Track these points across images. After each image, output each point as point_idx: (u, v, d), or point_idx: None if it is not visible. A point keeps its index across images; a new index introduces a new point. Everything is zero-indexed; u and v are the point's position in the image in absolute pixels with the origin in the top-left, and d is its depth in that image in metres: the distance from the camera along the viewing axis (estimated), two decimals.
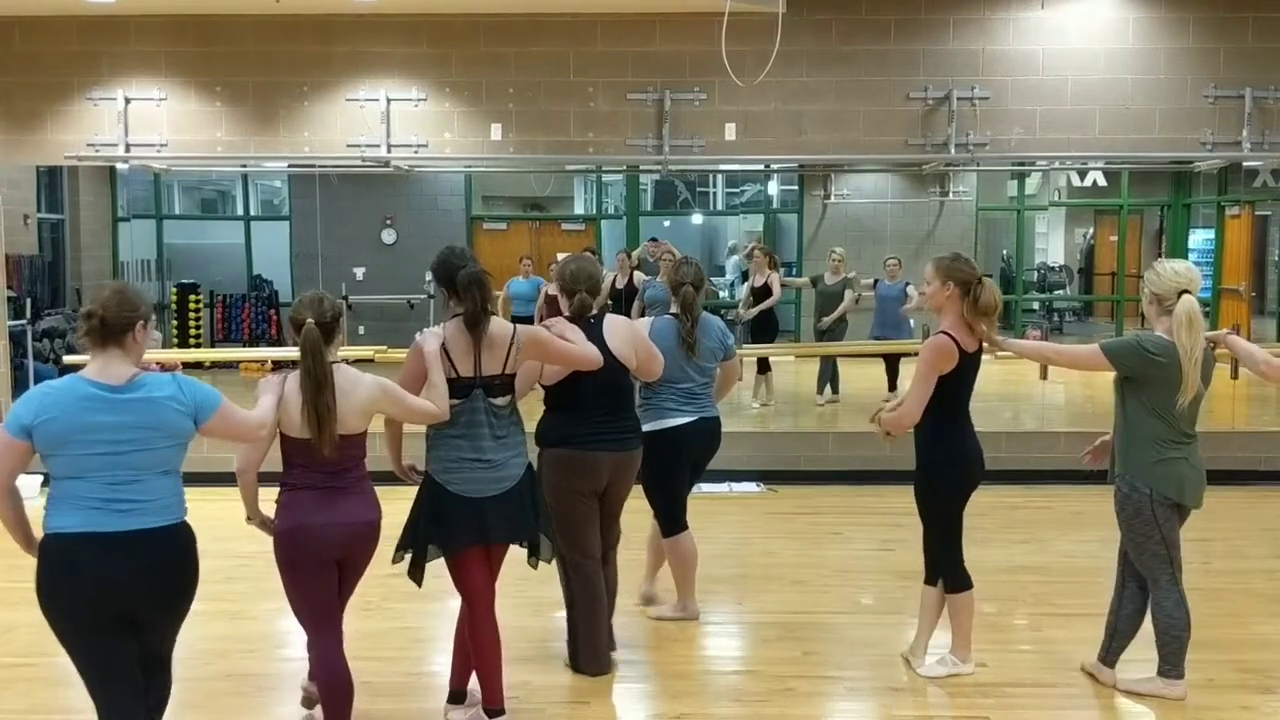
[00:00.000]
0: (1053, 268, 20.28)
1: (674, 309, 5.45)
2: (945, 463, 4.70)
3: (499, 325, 4.25)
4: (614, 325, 4.83)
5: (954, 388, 4.63)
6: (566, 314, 4.81)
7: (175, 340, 15.10)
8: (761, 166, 13.57)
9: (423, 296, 15.40)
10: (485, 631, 4.31)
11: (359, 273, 15.74)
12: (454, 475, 4.19)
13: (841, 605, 5.91)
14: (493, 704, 4.31)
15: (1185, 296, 4.36)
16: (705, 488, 8.56)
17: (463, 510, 4.18)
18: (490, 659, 4.32)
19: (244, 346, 15.88)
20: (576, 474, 4.73)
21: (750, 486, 8.65)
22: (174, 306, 15.37)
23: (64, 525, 3.36)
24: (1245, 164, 12.42)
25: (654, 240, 13.02)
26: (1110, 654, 4.82)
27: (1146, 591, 4.66)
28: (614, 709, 4.66)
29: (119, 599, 3.38)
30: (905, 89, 8.47)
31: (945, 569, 4.80)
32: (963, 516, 4.79)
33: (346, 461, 3.92)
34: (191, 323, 15.38)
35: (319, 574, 3.95)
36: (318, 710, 4.24)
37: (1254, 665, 5.01)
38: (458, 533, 4.21)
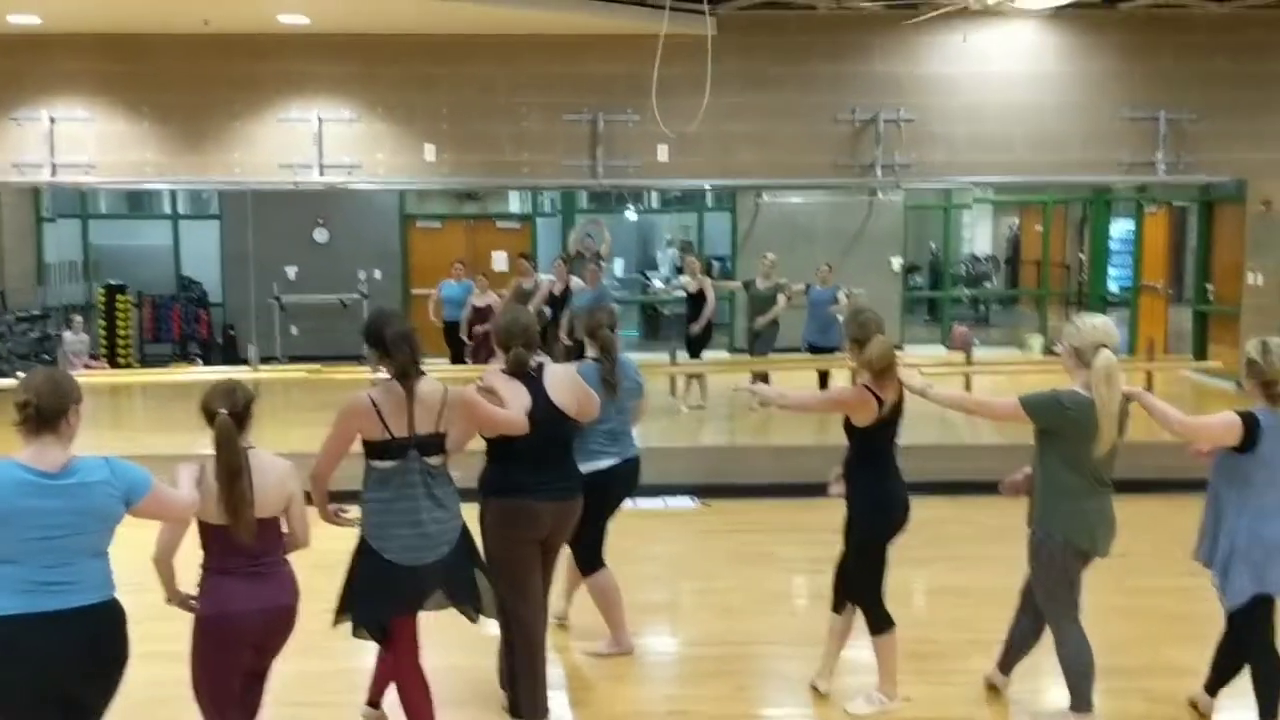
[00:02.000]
0: (979, 258, 20.73)
1: (592, 353, 5.58)
2: (873, 508, 4.91)
3: (430, 384, 4.33)
4: (554, 377, 4.89)
5: (879, 437, 4.84)
6: (503, 367, 4.87)
7: (104, 342, 14.91)
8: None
9: (356, 296, 15.35)
10: (414, 685, 4.45)
11: (291, 272, 15.65)
12: (391, 543, 4.26)
13: (772, 635, 6.08)
14: None
15: (1103, 351, 4.50)
16: (641, 503, 8.71)
17: (399, 578, 4.28)
18: (422, 711, 4.45)
19: (174, 348, 15.74)
20: (521, 523, 4.81)
21: (685, 501, 8.81)
22: (101, 307, 15.17)
23: None
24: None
25: (593, 225, 13.04)
26: (1006, 663, 5.19)
27: (1041, 620, 4.92)
28: None
29: (54, 676, 3.46)
30: (833, 111, 8.65)
31: (868, 608, 5.00)
32: (886, 559, 4.98)
33: (265, 544, 3.98)
34: (120, 324, 15.20)
35: (235, 658, 4.04)
36: None
37: (1163, 694, 5.25)
38: (393, 601, 4.32)
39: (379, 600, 4.31)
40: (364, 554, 4.32)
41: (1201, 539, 4.89)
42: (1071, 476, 4.60)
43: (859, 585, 5.00)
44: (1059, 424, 4.58)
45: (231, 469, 3.83)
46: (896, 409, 4.85)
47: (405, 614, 4.35)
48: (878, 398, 4.75)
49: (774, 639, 6.02)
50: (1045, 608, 4.81)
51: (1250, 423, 4.53)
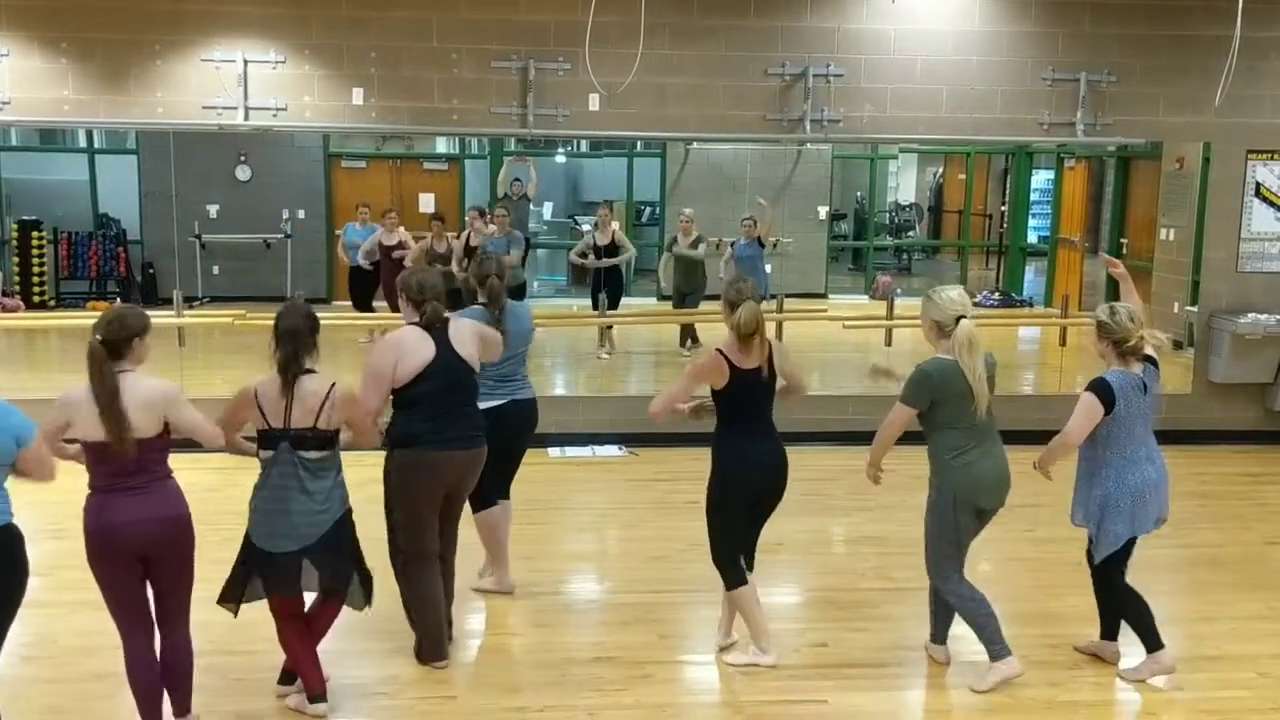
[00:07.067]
0: (903, 206, 20.98)
1: (481, 299, 5.67)
2: (725, 469, 5.02)
3: (315, 381, 4.44)
4: (458, 330, 5.06)
5: (733, 401, 4.94)
6: (415, 321, 4.99)
7: (17, 279, 14.56)
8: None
9: (279, 236, 15.13)
10: (292, 641, 4.62)
11: (212, 210, 15.34)
12: (257, 528, 4.47)
13: (695, 582, 6.22)
14: (315, 689, 4.62)
15: (963, 321, 4.76)
16: (570, 451, 8.87)
17: (259, 560, 4.47)
18: (305, 658, 4.62)
19: (91, 286, 15.40)
20: (422, 475, 4.96)
21: (613, 450, 8.94)
22: (14, 244, 14.78)
23: None
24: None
25: (520, 164, 13.02)
26: (940, 630, 5.30)
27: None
28: (480, 703, 4.88)
29: None
30: (764, 64, 8.68)
31: (720, 568, 5.12)
32: (742, 522, 5.07)
33: (148, 462, 4.14)
34: (35, 261, 14.83)
35: (125, 572, 4.19)
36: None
37: (1063, 639, 5.52)
38: (255, 581, 4.52)
39: (242, 579, 4.52)
40: (246, 540, 4.54)
41: (1076, 503, 5.16)
42: (957, 435, 4.83)
43: (711, 542, 5.09)
44: (935, 395, 4.79)
45: (106, 389, 4.01)
46: (751, 375, 4.90)
47: (266, 595, 4.53)
48: (731, 363, 4.85)
49: (697, 586, 6.16)
50: (934, 565, 5.01)
51: (1104, 391, 4.88)
